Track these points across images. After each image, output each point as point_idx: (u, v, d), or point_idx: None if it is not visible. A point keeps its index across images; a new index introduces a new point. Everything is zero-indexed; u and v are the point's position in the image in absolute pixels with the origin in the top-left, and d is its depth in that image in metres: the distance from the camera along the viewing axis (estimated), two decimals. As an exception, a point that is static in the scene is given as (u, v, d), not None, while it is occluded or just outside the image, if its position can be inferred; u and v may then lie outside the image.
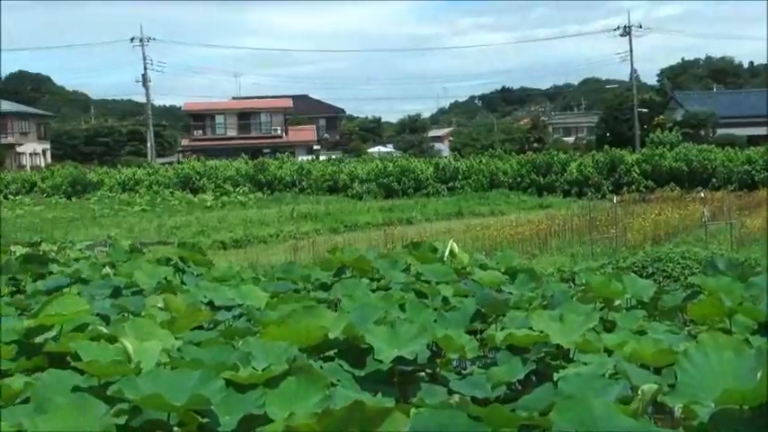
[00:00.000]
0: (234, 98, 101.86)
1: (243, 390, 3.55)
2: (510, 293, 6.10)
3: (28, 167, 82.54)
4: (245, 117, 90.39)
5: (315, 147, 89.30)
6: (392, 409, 2.97)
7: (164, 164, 70.14)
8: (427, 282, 6.51)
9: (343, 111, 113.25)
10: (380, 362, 4.18)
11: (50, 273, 7.71)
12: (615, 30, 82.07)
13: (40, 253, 11.46)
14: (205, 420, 3.42)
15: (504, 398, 4.04)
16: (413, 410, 3.29)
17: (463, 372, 4.59)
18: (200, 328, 5.26)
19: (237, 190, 50.49)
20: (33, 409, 3.46)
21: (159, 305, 5.42)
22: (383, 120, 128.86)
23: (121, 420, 3.45)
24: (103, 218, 37.31)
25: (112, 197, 49.22)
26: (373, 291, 6.31)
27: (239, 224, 32.06)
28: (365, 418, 2.91)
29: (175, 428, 3.46)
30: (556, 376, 4.01)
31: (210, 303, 5.89)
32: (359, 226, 31.70)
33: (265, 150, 78.09)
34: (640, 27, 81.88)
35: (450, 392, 4.09)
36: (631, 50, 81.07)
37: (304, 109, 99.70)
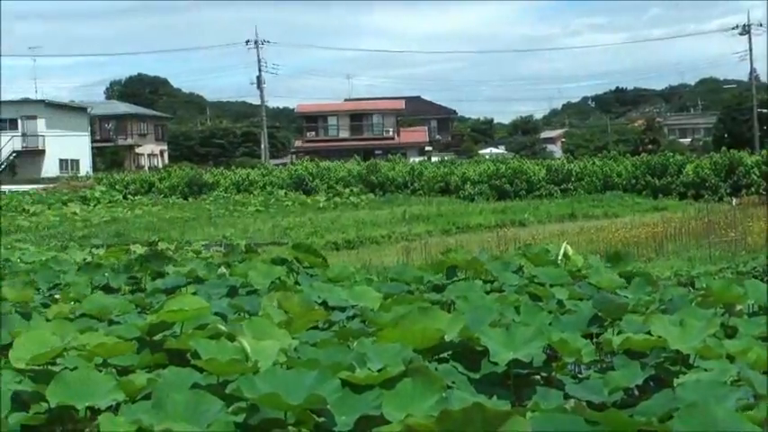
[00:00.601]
0: (347, 100, 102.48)
1: (359, 390, 3.56)
2: (626, 297, 6.00)
3: (146, 168, 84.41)
4: (358, 118, 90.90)
5: (427, 148, 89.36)
6: (512, 413, 2.95)
7: (277, 165, 70.98)
8: (541, 284, 6.45)
9: (455, 112, 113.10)
10: (496, 364, 4.15)
11: (167, 273, 7.84)
12: (734, 28, 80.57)
13: (159, 252, 11.70)
14: (321, 420, 3.44)
15: (620, 403, 3.98)
16: (528, 414, 3.26)
17: (578, 376, 4.53)
18: (315, 328, 5.30)
19: (349, 191, 50.79)
20: (153, 405, 3.53)
21: (275, 305, 5.47)
22: (495, 121, 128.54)
23: (239, 418, 3.50)
24: (219, 218, 37.87)
25: (227, 198, 49.95)
26: (487, 293, 6.28)
27: (351, 225, 32.23)
28: (484, 421, 2.89)
29: (292, 427, 3.49)
30: (675, 382, 3.93)
31: (324, 304, 5.93)
32: (471, 228, 31.61)
33: (377, 152, 78.46)
34: (760, 25, 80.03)
35: (566, 397, 4.04)
36: (750, 49, 79.37)
37: (416, 110, 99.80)
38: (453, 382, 4.01)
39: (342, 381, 3.58)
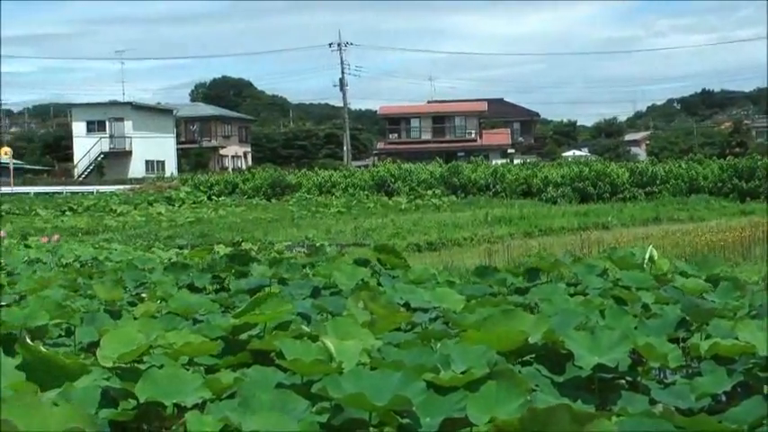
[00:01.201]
0: (429, 102, 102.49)
1: (443, 392, 3.55)
2: (713, 302, 5.91)
3: (230, 169, 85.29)
4: (440, 121, 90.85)
5: (509, 150, 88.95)
6: (598, 414, 2.93)
7: (359, 167, 71.16)
8: (626, 288, 6.38)
9: (537, 114, 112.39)
10: (580, 368, 4.11)
11: (250, 273, 7.90)
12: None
13: (242, 252, 11.81)
14: (405, 421, 3.44)
15: (708, 410, 3.92)
16: (614, 418, 3.22)
17: (664, 381, 4.47)
18: (397, 329, 5.30)
19: (431, 193, 50.69)
20: (239, 404, 3.56)
21: (360, 306, 5.49)
22: (578, 123, 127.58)
23: (323, 418, 3.52)
24: (301, 219, 37.99)
25: (310, 199, 50.14)
26: (571, 296, 6.23)
27: (433, 227, 32.07)
28: (571, 420, 2.86)
29: (376, 428, 3.50)
30: (765, 389, 3.86)
31: (406, 305, 5.94)
32: (553, 230, 31.27)
33: (459, 154, 78.35)
34: None
35: (652, 402, 3.99)
36: (842, 50, 77.53)
37: (499, 112, 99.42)
38: (537, 386, 3.99)
39: (426, 382, 3.58)
